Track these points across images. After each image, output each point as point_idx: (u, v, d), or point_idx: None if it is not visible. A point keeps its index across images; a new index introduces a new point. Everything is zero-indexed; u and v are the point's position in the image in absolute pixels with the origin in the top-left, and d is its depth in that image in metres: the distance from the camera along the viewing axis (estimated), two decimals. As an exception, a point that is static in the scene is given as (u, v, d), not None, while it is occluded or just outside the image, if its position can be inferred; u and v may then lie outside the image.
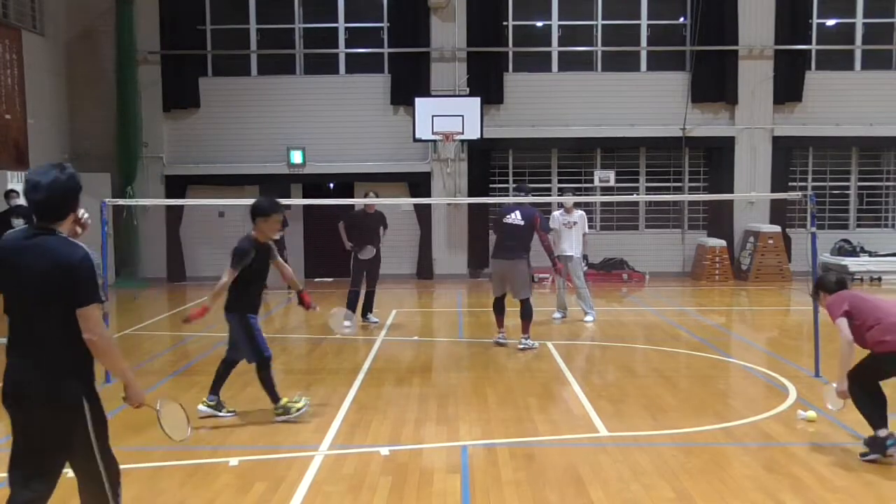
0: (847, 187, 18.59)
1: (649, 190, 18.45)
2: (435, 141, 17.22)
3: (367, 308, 12.03)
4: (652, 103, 17.88)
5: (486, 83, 17.68)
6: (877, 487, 5.36)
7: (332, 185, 18.28)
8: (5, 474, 5.76)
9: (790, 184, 17.87)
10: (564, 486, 5.38)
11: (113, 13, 17.50)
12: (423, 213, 17.83)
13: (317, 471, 5.72)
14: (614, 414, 7.12)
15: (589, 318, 12.14)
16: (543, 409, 7.32)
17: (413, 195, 17.54)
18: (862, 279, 17.07)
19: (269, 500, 5.19)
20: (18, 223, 11.07)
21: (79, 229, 3.98)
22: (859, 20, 18.13)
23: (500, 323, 10.33)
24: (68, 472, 5.67)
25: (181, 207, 17.58)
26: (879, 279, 17.08)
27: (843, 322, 5.73)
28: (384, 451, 6.13)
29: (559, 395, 7.86)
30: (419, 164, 17.97)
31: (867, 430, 5.90)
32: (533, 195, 17.49)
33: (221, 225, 18.19)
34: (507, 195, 18.10)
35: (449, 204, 17.73)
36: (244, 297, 7.07)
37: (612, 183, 18.26)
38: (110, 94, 17.59)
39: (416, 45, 17.69)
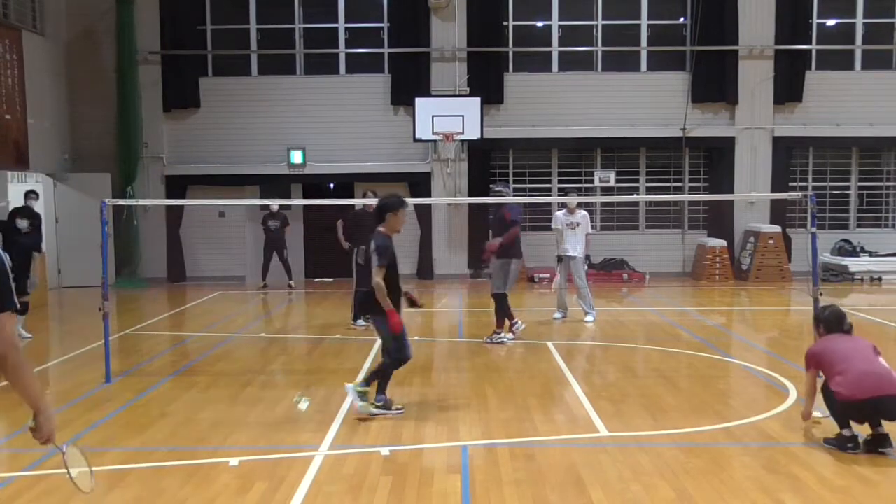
0: (847, 187, 18.60)
1: (649, 190, 18.45)
2: (435, 141, 17.22)
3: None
4: (652, 103, 17.88)
5: (486, 83, 17.68)
6: (877, 487, 5.36)
7: (332, 185, 18.29)
8: (5, 474, 5.78)
9: (790, 184, 17.88)
10: (565, 487, 5.38)
11: (113, 13, 17.51)
12: (424, 213, 17.83)
13: (317, 471, 5.72)
14: (615, 414, 7.11)
15: (589, 318, 12.13)
16: (544, 409, 7.32)
17: (413, 195, 17.50)
18: (862, 279, 17.07)
19: (270, 501, 5.18)
20: (24, 224, 11.06)
21: None
22: (859, 20, 18.14)
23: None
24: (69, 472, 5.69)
25: (181, 207, 17.59)
26: (880, 279, 17.08)
27: (809, 376, 6.33)
28: (384, 451, 6.13)
29: (559, 395, 7.86)
30: (419, 164, 17.97)
31: (866, 430, 5.98)
32: (533, 195, 17.73)
33: (222, 225, 18.24)
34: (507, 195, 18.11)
35: (449, 204, 17.74)
36: (390, 296, 6.98)
37: (612, 183, 18.26)
38: (110, 94, 17.60)
39: (416, 45, 17.70)
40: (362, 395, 7.03)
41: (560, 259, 12.07)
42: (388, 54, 18.01)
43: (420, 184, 17.86)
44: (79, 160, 17.81)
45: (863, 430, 6.05)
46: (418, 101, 17.02)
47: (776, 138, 17.95)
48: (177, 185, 17.82)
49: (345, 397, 7.71)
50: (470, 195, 17.67)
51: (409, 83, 17.67)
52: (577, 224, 12.03)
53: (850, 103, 17.82)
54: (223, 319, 13.12)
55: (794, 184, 18.02)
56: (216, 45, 18.29)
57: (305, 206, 17.77)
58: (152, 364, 9.60)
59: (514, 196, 18.21)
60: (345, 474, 5.65)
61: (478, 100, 17.04)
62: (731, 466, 5.75)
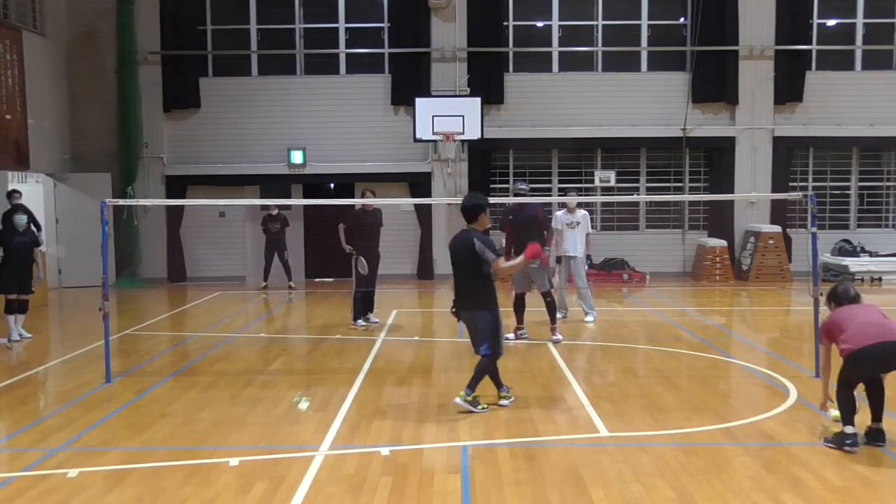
0: (847, 187, 18.59)
1: (650, 190, 18.45)
2: (435, 141, 17.22)
3: (368, 308, 12.02)
4: (652, 103, 17.88)
5: (486, 83, 17.68)
6: (877, 487, 5.36)
7: (332, 185, 18.29)
8: (5, 474, 5.78)
9: (791, 184, 17.87)
10: (565, 487, 5.38)
11: (113, 13, 17.51)
12: (424, 214, 17.83)
13: (317, 471, 5.72)
14: (615, 414, 7.11)
15: (590, 318, 12.14)
16: (544, 409, 7.32)
17: (413, 195, 17.55)
18: (862, 279, 17.06)
19: (270, 501, 5.19)
20: (22, 221, 11.03)
21: None
22: (859, 20, 18.13)
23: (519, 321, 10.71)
24: (68, 473, 5.70)
25: (181, 208, 17.60)
26: (880, 279, 17.07)
27: (823, 349, 6.41)
28: (385, 451, 6.13)
29: (560, 396, 7.86)
30: (420, 164, 17.97)
31: (864, 424, 6.02)
32: (533, 195, 17.68)
33: (222, 225, 18.24)
34: (508, 195, 18.11)
35: (449, 204, 17.72)
36: (494, 293, 7.30)
37: (612, 183, 18.26)
38: (111, 94, 17.60)
39: (416, 46, 17.70)
40: (475, 401, 7.20)
41: (559, 259, 12.07)
42: (388, 54, 18.01)
43: (420, 184, 17.86)
44: (79, 160, 17.82)
45: (860, 426, 6.09)
46: (418, 101, 17.03)
47: (776, 138, 17.94)
48: (177, 186, 17.83)
49: (345, 397, 7.73)
50: (470, 195, 17.63)
51: (410, 83, 17.67)
52: (577, 224, 12.05)
53: (850, 103, 17.81)
54: (223, 319, 13.12)
55: (795, 184, 18.02)
56: (216, 45, 18.30)
57: (305, 207, 17.77)
58: (153, 364, 9.60)
59: (514, 197, 18.28)
60: (345, 474, 5.66)
61: (478, 100, 17.04)
62: (731, 466, 5.75)
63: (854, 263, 17.17)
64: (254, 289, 16.89)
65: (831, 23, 18.34)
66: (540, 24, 18.40)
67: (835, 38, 18.34)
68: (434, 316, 13.77)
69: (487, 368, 7.34)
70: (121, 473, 5.71)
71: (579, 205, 12.29)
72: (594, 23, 18.19)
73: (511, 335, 10.45)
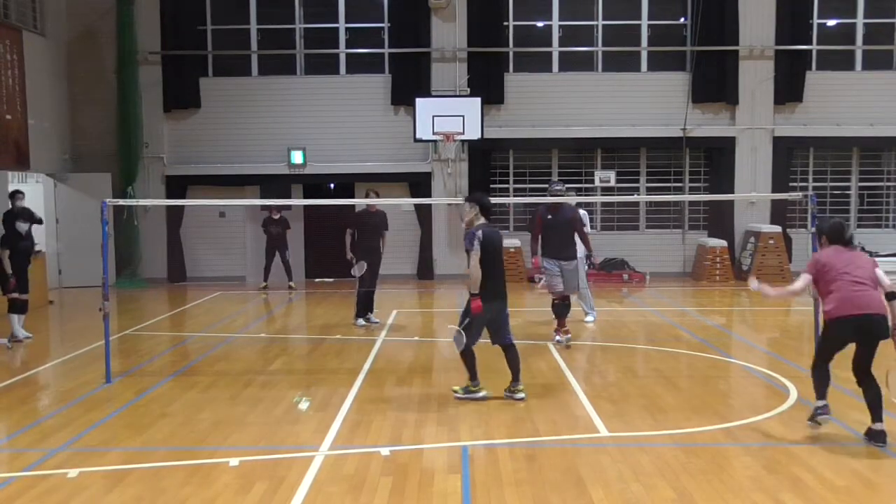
0: (848, 188, 18.59)
1: (650, 190, 18.45)
2: (435, 141, 17.22)
3: (368, 308, 12.02)
4: (652, 103, 17.87)
5: (486, 83, 17.67)
6: (877, 487, 5.36)
7: (332, 185, 18.28)
8: (5, 474, 5.78)
9: (791, 184, 17.87)
10: (565, 487, 5.38)
11: (114, 13, 17.50)
12: (424, 214, 17.83)
13: (317, 471, 5.72)
14: (615, 414, 7.12)
15: (590, 318, 12.13)
16: (544, 409, 7.32)
17: (413, 195, 17.54)
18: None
19: (270, 501, 5.19)
20: (24, 227, 11.08)
21: None
22: (860, 20, 18.13)
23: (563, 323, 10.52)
24: (68, 473, 5.70)
25: (182, 208, 17.59)
26: (880, 279, 17.05)
27: (804, 277, 6.44)
28: (385, 451, 6.13)
29: (559, 396, 7.85)
30: (420, 164, 17.97)
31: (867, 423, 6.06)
32: (533, 195, 17.72)
33: (222, 225, 18.23)
34: (508, 195, 18.15)
35: (449, 204, 17.73)
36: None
37: (612, 183, 18.25)
38: (111, 94, 17.59)
39: (416, 46, 17.69)
40: (514, 391, 7.60)
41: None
42: (388, 54, 18.01)
43: (420, 184, 17.86)
44: (79, 160, 17.81)
45: (859, 426, 6.11)
46: (419, 101, 17.02)
47: (776, 138, 17.94)
48: (177, 186, 17.82)
49: (345, 397, 7.73)
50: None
51: (410, 83, 17.67)
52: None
53: (850, 103, 17.81)
54: (223, 320, 13.12)
55: (795, 184, 18.01)
56: (216, 46, 18.29)
57: (306, 207, 17.77)
58: (153, 364, 9.60)
59: (515, 197, 18.31)
60: (345, 474, 5.66)
61: (478, 100, 17.04)
62: (731, 466, 5.75)
63: (854, 263, 17.14)
64: (254, 289, 16.89)
65: (831, 23, 18.34)
66: (540, 24, 18.40)
67: (835, 38, 18.34)
68: (434, 316, 13.78)
69: (517, 356, 7.67)
70: (121, 473, 5.71)
71: (577, 204, 12.25)
72: (594, 23, 18.18)
73: (561, 337, 10.35)
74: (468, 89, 17.61)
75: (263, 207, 16.96)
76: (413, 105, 17.11)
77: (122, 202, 10.82)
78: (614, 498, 5.17)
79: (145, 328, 12.25)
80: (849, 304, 6.08)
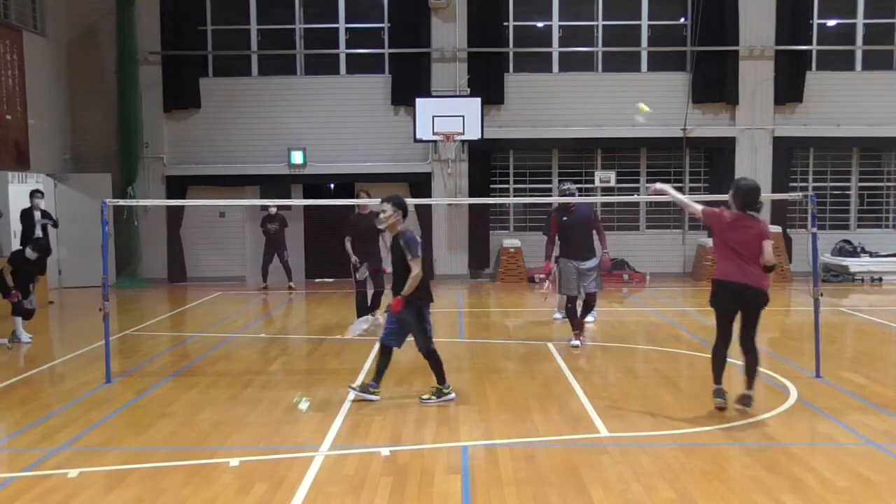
0: (848, 188, 18.60)
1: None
2: (435, 141, 17.22)
3: (373, 307, 11.95)
4: (652, 104, 17.71)
5: (486, 83, 17.67)
6: (877, 488, 5.36)
7: (332, 185, 18.29)
8: (5, 474, 5.78)
9: (791, 184, 17.87)
10: (565, 487, 5.38)
11: (114, 14, 17.51)
12: (424, 214, 17.83)
13: (317, 471, 5.72)
14: (615, 414, 7.11)
15: (590, 318, 12.11)
16: (544, 409, 7.32)
17: (414, 195, 17.47)
18: (863, 280, 17.06)
19: (270, 501, 5.19)
20: (32, 255, 10.93)
21: None
22: (860, 20, 18.13)
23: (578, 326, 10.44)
24: (68, 473, 5.70)
25: (182, 208, 17.60)
26: (880, 280, 17.07)
27: (701, 210, 7.01)
28: (385, 451, 6.13)
29: (560, 396, 7.85)
30: (420, 164, 17.97)
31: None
32: (533, 195, 17.74)
33: (222, 225, 18.24)
34: (508, 195, 18.16)
35: (449, 204, 17.74)
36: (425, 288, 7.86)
37: (612, 183, 18.26)
38: (111, 94, 17.59)
39: (416, 46, 17.69)
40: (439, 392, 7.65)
41: (557, 260, 12.02)
42: (388, 55, 18.01)
43: (420, 184, 17.86)
44: (79, 160, 17.82)
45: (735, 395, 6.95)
46: (419, 101, 17.03)
47: (777, 139, 17.94)
48: (177, 186, 17.82)
49: (345, 398, 7.72)
50: (470, 195, 17.67)
51: (410, 83, 17.67)
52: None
53: (850, 103, 17.81)
54: (223, 320, 13.12)
55: (795, 184, 18.02)
56: (216, 46, 18.30)
57: (306, 207, 17.77)
58: (153, 364, 9.60)
59: (515, 197, 18.32)
60: (345, 475, 5.66)
61: (478, 100, 17.04)
62: (731, 467, 5.75)
63: (854, 264, 17.17)
64: (254, 289, 16.89)
65: (831, 23, 18.34)
66: (540, 24, 18.40)
67: (835, 38, 18.34)
68: (434, 316, 13.73)
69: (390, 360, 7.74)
70: (121, 474, 5.71)
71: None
72: (594, 23, 18.19)
73: (577, 341, 10.30)
74: (468, 89, 17.62)
75: (262, 208, 16.96)
76: (413, 105, 17.12)
77: (122, 202, 10.80)
78: (614, 498, 5.17)
79: (145, 328, 12.25)
80: (731, 272, 6.76)
